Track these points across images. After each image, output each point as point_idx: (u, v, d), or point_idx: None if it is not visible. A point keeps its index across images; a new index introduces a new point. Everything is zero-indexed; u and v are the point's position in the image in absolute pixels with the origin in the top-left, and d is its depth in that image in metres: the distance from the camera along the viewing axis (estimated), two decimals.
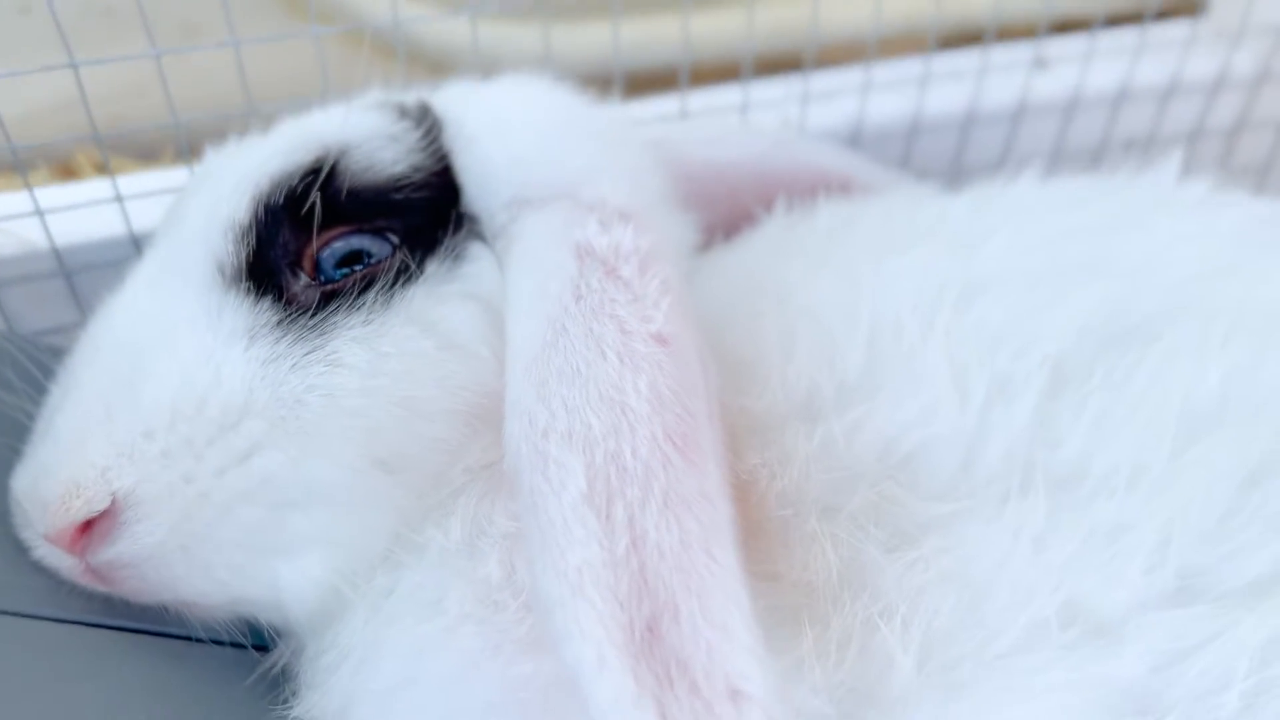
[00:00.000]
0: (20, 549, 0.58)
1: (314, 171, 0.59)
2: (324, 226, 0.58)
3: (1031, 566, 0.52)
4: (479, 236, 0.62)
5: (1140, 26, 0.92)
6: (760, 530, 0.55)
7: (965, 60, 0.93)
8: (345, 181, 0.59)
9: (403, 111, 0.64)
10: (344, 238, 0.59)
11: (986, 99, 0.91)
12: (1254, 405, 0.54)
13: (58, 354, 0.66)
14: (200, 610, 0.60)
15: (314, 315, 0.56)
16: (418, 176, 0.61)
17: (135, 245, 0.77)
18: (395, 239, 0.60)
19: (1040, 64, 0.93)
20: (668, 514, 0.45)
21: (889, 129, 0.90)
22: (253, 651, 0.62)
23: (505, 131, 0.64)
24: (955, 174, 0.94)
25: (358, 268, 0.59)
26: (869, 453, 0.56)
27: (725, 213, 0.77)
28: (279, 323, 0.56)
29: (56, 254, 0.76)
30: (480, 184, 0.63)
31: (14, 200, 0.75)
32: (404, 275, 0.58)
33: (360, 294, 0.57)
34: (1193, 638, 0.50)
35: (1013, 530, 0.52)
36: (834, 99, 0.90)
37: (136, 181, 0.80)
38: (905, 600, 0.51)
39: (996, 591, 0.51)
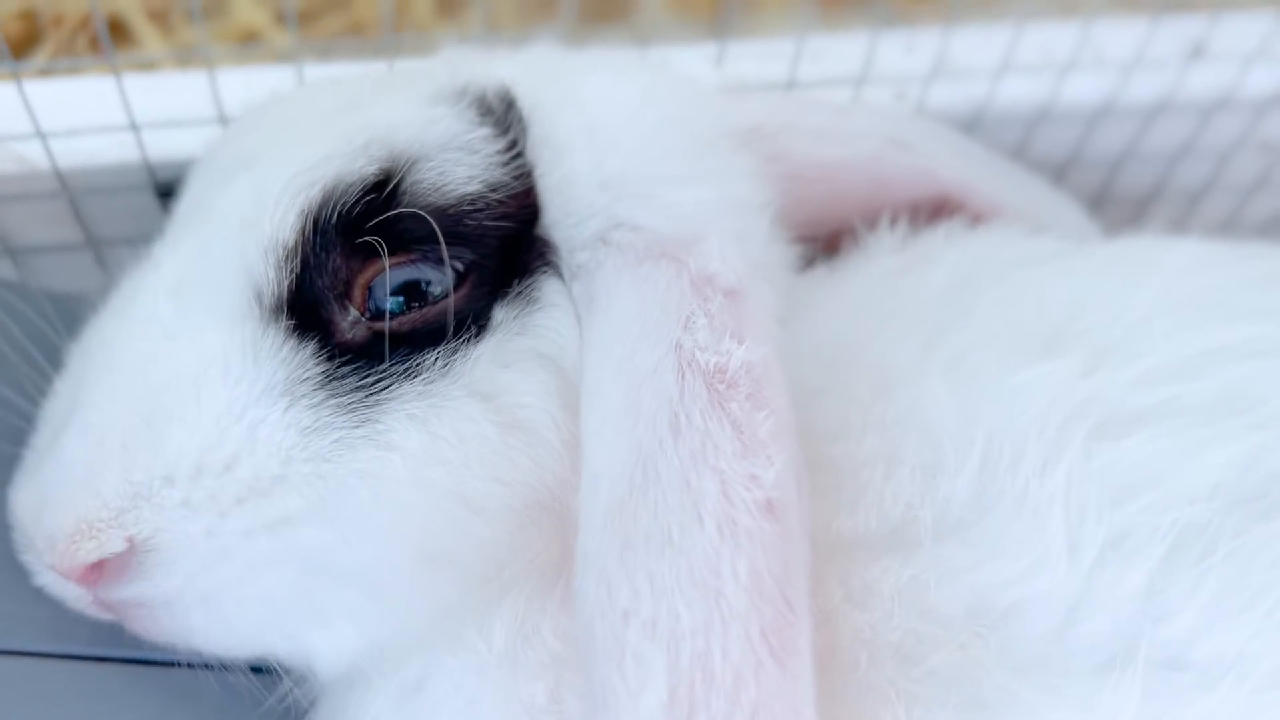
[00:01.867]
0: (19, 572, 0.53)
1: (377, 187, 0.50)
2: (381, 253, 0.50)
3: None
4: (555, 271, 0.54)
5: None
6: (827, 668, 0.50)
7: (1111, 38, 0.80)
8: (412, 201, 0.51)
9: (484, 109, 0.54)
10: (403, 267, 0.51)
11: (1131, 90, 0.80)
12: None
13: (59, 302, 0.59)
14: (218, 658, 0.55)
15: (364, 375, 0.49)
16: (494, 199, 0.53)
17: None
18: (461, 268, 0.52)
19: (1197, 52, 0.81)
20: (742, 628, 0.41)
21: (1014, 114, 0.79)
22: (260, 685, 0.58)
23: (603, 147, 0.54)
24: (1073, 167, 0.83)
25: (415, 304, 0.51)
26: (960, 602, 0.50)
27: (825, 216, 0.68)
28: (324, 378, 0.49)
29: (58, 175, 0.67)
30: (565, 208, 0.54)
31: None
32: (467, 331, 0.51)
33: (417, 350, 0.50)
34: None
35: None
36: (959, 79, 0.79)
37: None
38: None
39: None
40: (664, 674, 0.41)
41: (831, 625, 0.50)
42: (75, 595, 0.52)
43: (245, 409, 0.49)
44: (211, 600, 0.50)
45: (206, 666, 0.56)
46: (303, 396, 0.49)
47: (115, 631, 0.54)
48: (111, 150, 0.68)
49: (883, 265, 0.62)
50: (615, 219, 0.53)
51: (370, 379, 0.49)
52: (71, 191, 0.68)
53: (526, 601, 0.50)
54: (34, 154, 0.65)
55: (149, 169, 0.68)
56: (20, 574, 0.53)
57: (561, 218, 0.54)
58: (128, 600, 0.51)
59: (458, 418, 0.49)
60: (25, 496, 0.52)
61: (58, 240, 0.70)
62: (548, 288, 0.53)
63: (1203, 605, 0.49)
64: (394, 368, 0.49)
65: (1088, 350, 0.55)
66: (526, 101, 0.56)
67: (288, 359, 0.49)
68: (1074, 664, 0.49)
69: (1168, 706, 0.48)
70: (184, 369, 0.50)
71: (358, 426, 0.48)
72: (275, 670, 0.57)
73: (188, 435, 0.49)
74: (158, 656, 0.55)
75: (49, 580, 0.52)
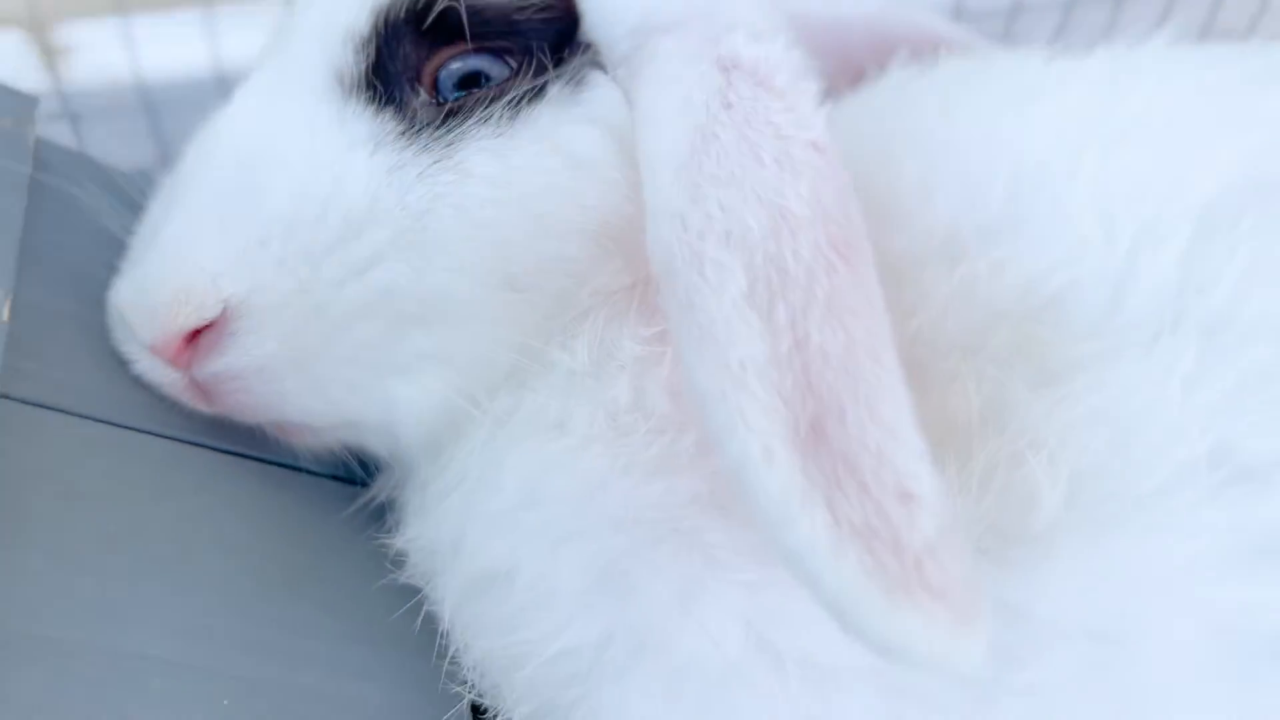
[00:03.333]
0: (119, 363, 0.56)
1: None
2: (445, 43, 0.56)
3: (1181, 408, 0.50)
4: (599, 66, 0.59)
5: None
6: None
7: None
8: (469, 19, 0.57)
9: None
10: (463, 57, 0.56)
11: None
12: None
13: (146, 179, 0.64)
14: (306, 435, 0.58)
15: (440, 127, 0.54)
16: (538, 2, 0.59)
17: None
18: (515, 62, 0.57)
19: None
20: (831, 319, 0.43)
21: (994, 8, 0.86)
22: (355, 486, 0.60)
23: None
24: None
25: (475, 90, 0.56)
26: (1011, 293, 0.53)
27: (839, 68, 0.74)
28: (403, 133, 0.54)
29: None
30: (601, 9, 0.60)
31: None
32: (528, 94, 0.56)
33: (486, 108, 0.55)
34: None
35: (1163, 370, 0.50)
36: None
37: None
38: (1053, 435, 0.49)
39: (1147, 430, 0.49)
40: (743, 271, 0.44)
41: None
42: (171, 379, 0.55)
43: (332, 162, 0.53)
44: (303, 362, 0.54)
45: (296, 468, 0.59)
46: (384, 144, 0.53)
47: (210, 422, 0.57)
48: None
49: (901, 75, 0.68)
50: (652, 7, 0.58)
51: (444, 128, 0.54)
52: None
53: (605, 322, 0.53)
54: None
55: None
56: (120, 363, 0.56)
57: (600, 20, 0.60)
58: (221, 374, 0.54)
59: (529, 153, 0.54)
60: (125, 286, 0.55)
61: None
62: (595, 76, 0.58)
63: (1239, 274, 0.52)
64: (466, 119, 0.54)
65: (1093, 89, 0.60)
66: None
67: (369, 120, 0.54)
68: (1128, 338, 0.52)
69: (1226, 362, 0.50)
70: (273, 142, 0.54)
71: (437, 161, 0.53)
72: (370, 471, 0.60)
73: (279, 194, 0.53)
74: (251, 452, 0.58)
75: (146, 365, 0.55)
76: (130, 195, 0.62)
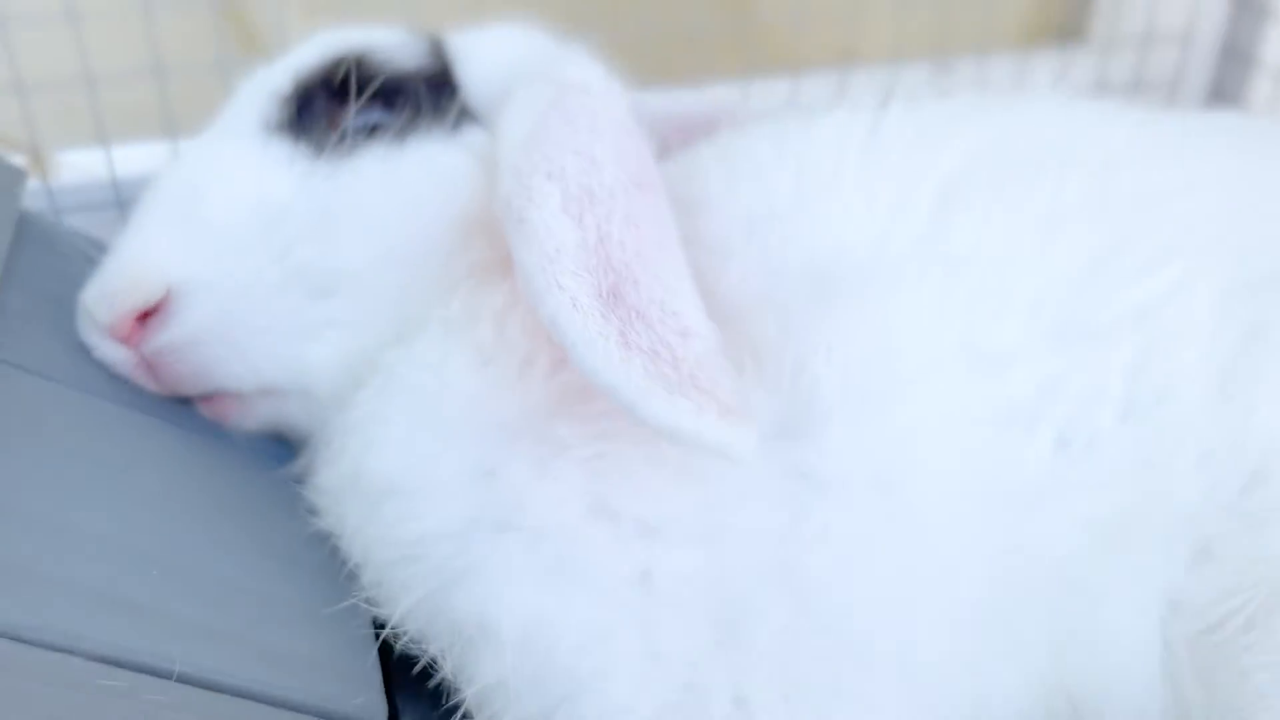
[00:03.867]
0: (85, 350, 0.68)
1: (346, 60, 0.73)
2: (348, 100, 0.72)
3: (932, 316, 0.63)
4: (476, 122, 0.75)
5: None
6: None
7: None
8: (370, 70, 0.73)
9: (417, 33, 0.79)
10: (367, 111, 0.73)
11: None
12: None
13: None
14: (234, 408, 0.70)
15: (343, 150, 0.69)
16: (426, 72, 0.76)
17: None
18: (406, 113, 0.73)
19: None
20: (627, 223, 0.57)
21: None
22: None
23: (502, 41, 0.78)
24: None
25: (375, 131, 0.72)
26: (797, 260, 0.67)
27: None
28: (314, 154, 0.69)
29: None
30: (473, 80, 0.76)
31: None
32: (415, 131, 0.72)
33: (381, 137, 0.70)
34: (1070, 364, 0.61)
35: (914, 292, 0.63)
36: None
37: None
38: (832, 340, 0.61)
39: (905, 331, 0.62)
40: (559, 193, 0.58)
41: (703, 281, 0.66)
42: (124, 358, 0.67)
43: (257, 175, 0.68)
44: (230, 333, 0.66)
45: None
46: (298, 161, 0.68)
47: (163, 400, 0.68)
48: None
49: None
50: (514, 76, 0.75)
51: (347, 145, 0.69)
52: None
53: (473, 286, 0.66)
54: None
55: None
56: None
57: (472, 87, 0.76)
58: (163, 348, 0.66)
59: (409, 164, 0.69)
60: (91, 285, 0.68)
61: None
62: (470, 126, 0.74)
63: (976, 223, 0.66)
64: (364, 144, 0.69)
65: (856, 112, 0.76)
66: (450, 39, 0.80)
67: (288, 148, 0.69)
68: (886, 274, 0.65)
69: (965, 283, 0.64)
70: (211, 167, 0.70)
71: (339, 168, 0.68)
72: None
73: (217, 201, 0.68)
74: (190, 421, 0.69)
75: (103, 348, 0.67)
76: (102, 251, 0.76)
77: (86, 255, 0.73)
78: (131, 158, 0.91)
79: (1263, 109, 1.11)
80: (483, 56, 0.78)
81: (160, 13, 0.89)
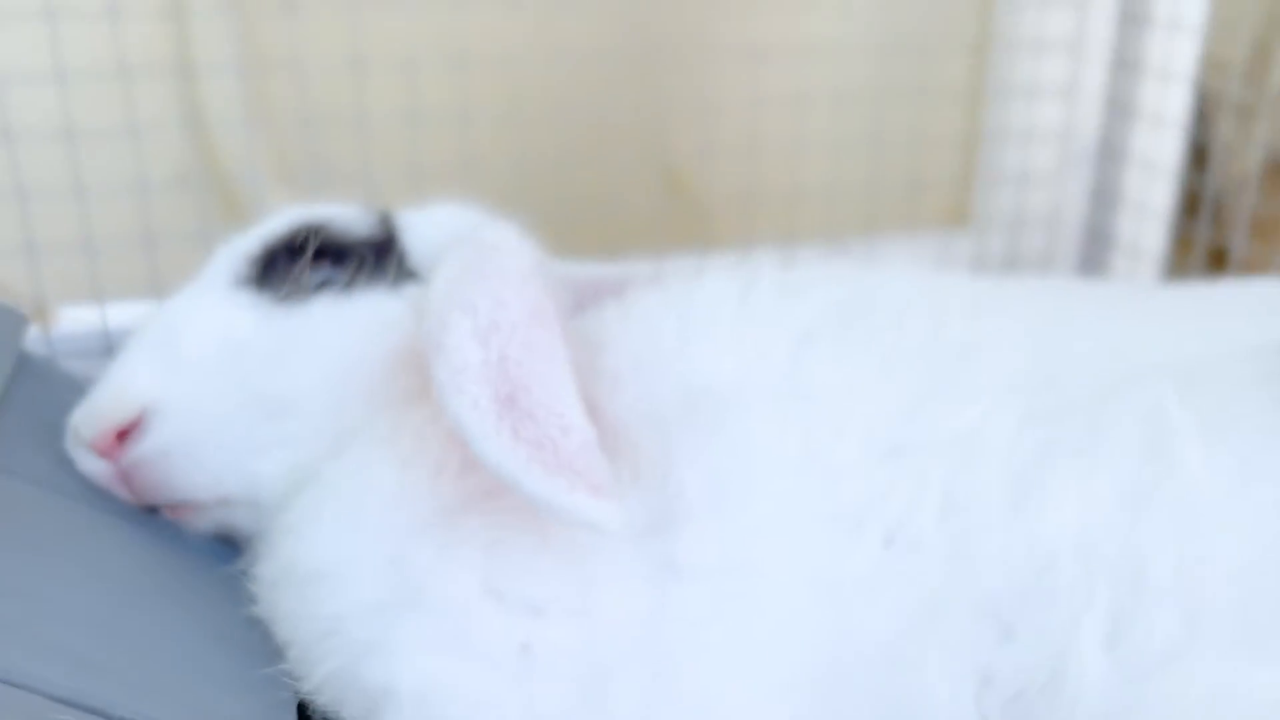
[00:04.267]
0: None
1: (307, 228, 0.88)
2: (311, 259, 0.87)
3: (784, 436, 0.75)
4: (414, 279, 0.90)
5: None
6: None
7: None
8: (325, 236, 0.88)
9: (371, 208, 0.95)
10: (320, 269, 0.87)
11: None
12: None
13: None
14: (191, 515, 0.81)
15: (299, 297, 0.83)
16: (374, 239, 0.91)
17: None
18: (355, 269, 0.88)
19: None
20: (525, 348, 0.70)
21: None
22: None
23: (439, 216, 0.94)
24: None
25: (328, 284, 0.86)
26: (674, 391, 0.79)
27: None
28: (275, 301, 0.83)
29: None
30: (415, 248, 0.91)
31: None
32: (362, 284, 0.86)
33: (332, 288, 0.85)
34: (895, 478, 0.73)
35: (769, 420, 0.76)
36: None
37: None
38: (686, 449, 0.74)
39: (759, 449, 0.74)
40: (470, 324, 0.70)
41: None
42: (101, 470, 0.79)
43: (224, 317, 0.82)
44: (195, 448, 0.79)
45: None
46: (260, 306, 0.82)
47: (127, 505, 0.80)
48: None
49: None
50: (449, 242, 0.90)
51: (301, 294, 0.83)
52: None
53: (400, 408, 0.79)
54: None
55: None
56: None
57: (415, 253, 0.91)
58: (137, 460, 0.78)
59: (356, 310, 0.83)
60: (79, 408, 0.81)
61: None
62: (410, 284, 0.89)
63: (812, 360, 0.80)
64: (315, 289, 0.84)
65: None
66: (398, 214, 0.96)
67: (253, 295, 0.83)
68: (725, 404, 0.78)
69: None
70: (187, 312, 0.83)
71: (295, 308, 0.82)
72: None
73: (188, 339, 0.81)
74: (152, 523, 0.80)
75: (85, 461, 0.79)
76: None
77: (76, 389, 0.86)
78: (122, 313, 1.06)
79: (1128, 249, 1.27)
80: (422, 228, 0.93)
81: (154, 188, 1.06)
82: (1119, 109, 1.28)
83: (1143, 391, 0.73)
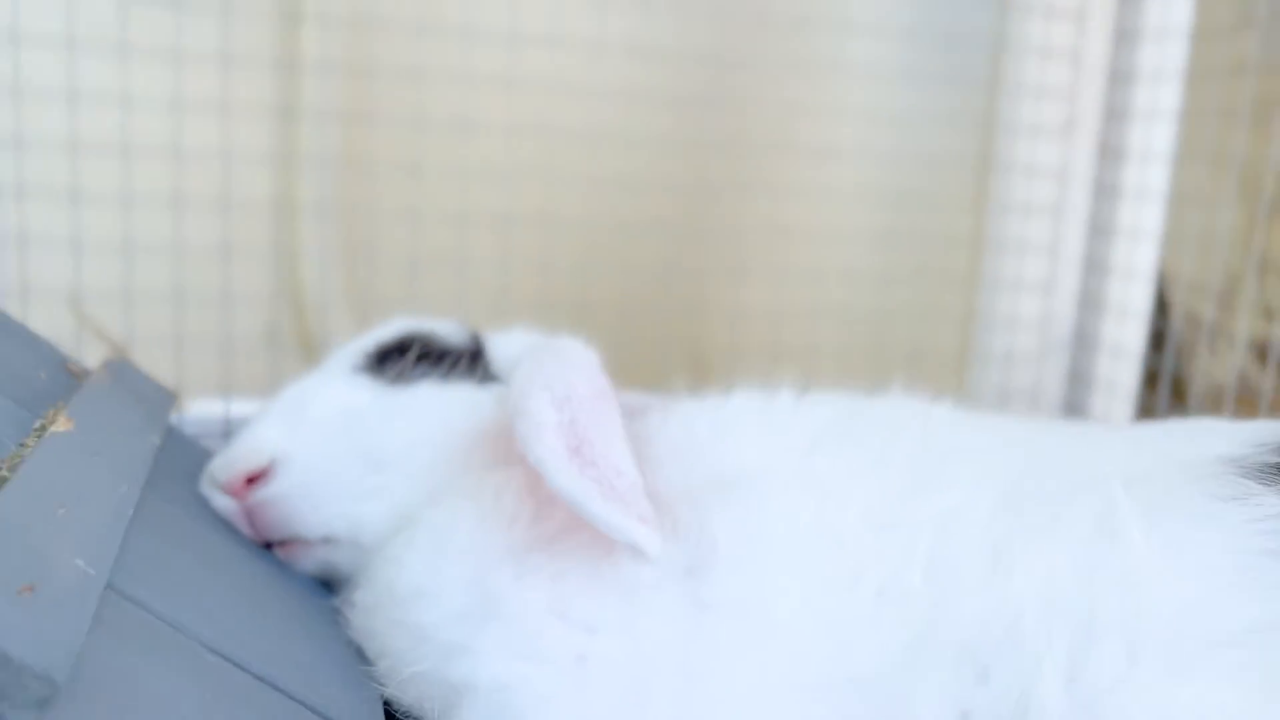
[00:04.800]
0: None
1: (414, 333, 1.08)
2: (416, 358, 1.06)
3: (798, 510, 0.91)
4: (497, 381, 1.09)
5: None
6: None
7: None
8: (428, 340, 1.08)
9: (461, 325, 1.14)
10: (424, 367, 1.06)
11: None
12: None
13: None
14: (300, 552, 0.97)
15: (407, 380, 1.02)
16: (466, 347, 1.10)
17: None
18: (452, 369, 1.07)
19: None
20: (589, 414, 0.88)
21: None
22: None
23: (516, 334, 1.14)
24: None
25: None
26: (707, 473, 0.96)
27: None
28: (388, 383, 1.02)
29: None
30: (495, 359, 1.11)
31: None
32: (456, 374, 1.05)
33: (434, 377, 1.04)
34: (889, 545, 0.89)
35: (786, 497, 0.93)
36: None
37: None
38: (724, 516, 0.90)
39: (776, 517, 0.91)
40: (548, 398, 0.89)
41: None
42: (229, 507, 0.95)
43: (345, 391, 1.00)
44: (310, 490, 0.95)
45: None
46: (375, 386, 1.01)
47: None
48: None
49: None
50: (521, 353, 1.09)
51: (409, 380, 1.02)
52: None
53: (485, 470, 0.96)
54: None
55: None
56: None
57: (496, 360, 1.11)
58: (261, 500, 0.95)
59: (450, 393, 1.01)
60: (215, 459, 0.98)
61: None
62: (492, 383, 1.08)
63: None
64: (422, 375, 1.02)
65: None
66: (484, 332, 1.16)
67: (367, 379, 1.02)
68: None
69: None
70: (313, 387, 1.02)
71: (404, 387, 1.00)
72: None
73: (315, 404, 0.99)
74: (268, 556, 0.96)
75: (216, 499, 0.96)
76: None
77: (207, 456, 1.04)
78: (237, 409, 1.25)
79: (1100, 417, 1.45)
80: (503, 343, 1.13)
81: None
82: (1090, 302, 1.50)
83: (1096, 487, 0.89)
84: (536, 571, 0.86)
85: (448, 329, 1.11)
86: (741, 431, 0.99)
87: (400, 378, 1.03)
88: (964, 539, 0.88)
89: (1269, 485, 0.82)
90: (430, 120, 1.39)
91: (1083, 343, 1.50)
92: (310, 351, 1.46)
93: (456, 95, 1.39)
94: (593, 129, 1.46)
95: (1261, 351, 1.42)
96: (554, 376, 0.92)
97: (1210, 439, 0.95)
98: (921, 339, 1.50)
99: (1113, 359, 1.47)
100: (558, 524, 0.88)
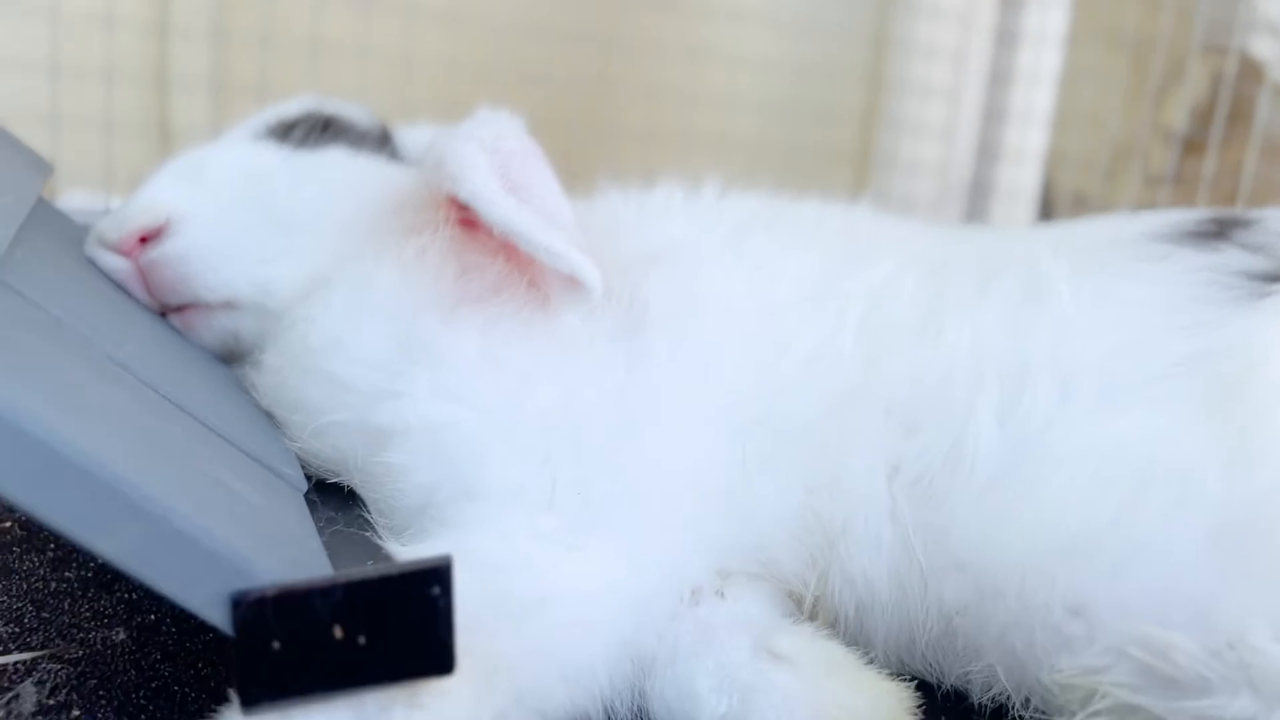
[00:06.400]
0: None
1: (319, 109, 1.01)
2: (322, 130, 0.99)
3: (729, 275, 0.89)
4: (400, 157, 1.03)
5: None
6: None
7: None
8: (335, 116, 1.01)
9: (369, 112, 1.08)
10: (331, 139, 1.00)
11: None
12: None
13: None
14: (200, 321, 0.90)
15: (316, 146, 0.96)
16: (375, 131, 1.04)
17: None
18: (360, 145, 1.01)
19: None
20: (524, 165, 0.84)
21: None
22: None
23: (427, 129, 1.08)
24: None
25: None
26: (639, 247, 0.93)
27: None
28: (295, 147, 0.95)
29: None
30: (408, 148, 1.05)
31: None
32: (369, 148, 0.99)
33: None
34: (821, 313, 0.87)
35: (715, 264, 0.91)
36: None
37: None
38: (655, 282, 0.87)
39: (707, 279, 0.88)
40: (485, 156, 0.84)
41: None
42: (121, 267, 0.88)
43: (249, 151, 0.93)
44: (209, 251, 0.88)
45: None
46: (281, 150, 0.94)
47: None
48: None
49: None
50: None
51: (318, 145, 0.95)
52: None
53: (401, 237, 0.90)
54: None
55: None
56: None
57: (405, 151, 1.05)
58: (157, 259, 0.87)
59: (360, 161, 0.96)
60: (105, 220, 0.90)
61: None
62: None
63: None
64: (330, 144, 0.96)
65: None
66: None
67: (272, 144, 0.95)
68: None
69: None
70: (217, 150, 0.94)
71: (313, 151, 0.93)
72: None
73: (215, 165, 0.92)
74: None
75: (104, 259, 0.88)
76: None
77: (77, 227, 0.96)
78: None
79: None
80: (412, 134, 1.07)
81: None
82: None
83: (1024, 261, 0.90)
84: (465, 320, 0.82)
85: (354, 110, 1.05)
86: (669, 216, 0.97)
87: (307, 143, 0.96)
88: (894, 307, 0.88)
89: (1187, 247, 0.84)
90: None
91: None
92: None
93: None
94: None
95: None
96: (478, 129, 0.87)
97: (1128, 223, 0.96)
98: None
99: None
100: (486, 283, 0.84)
